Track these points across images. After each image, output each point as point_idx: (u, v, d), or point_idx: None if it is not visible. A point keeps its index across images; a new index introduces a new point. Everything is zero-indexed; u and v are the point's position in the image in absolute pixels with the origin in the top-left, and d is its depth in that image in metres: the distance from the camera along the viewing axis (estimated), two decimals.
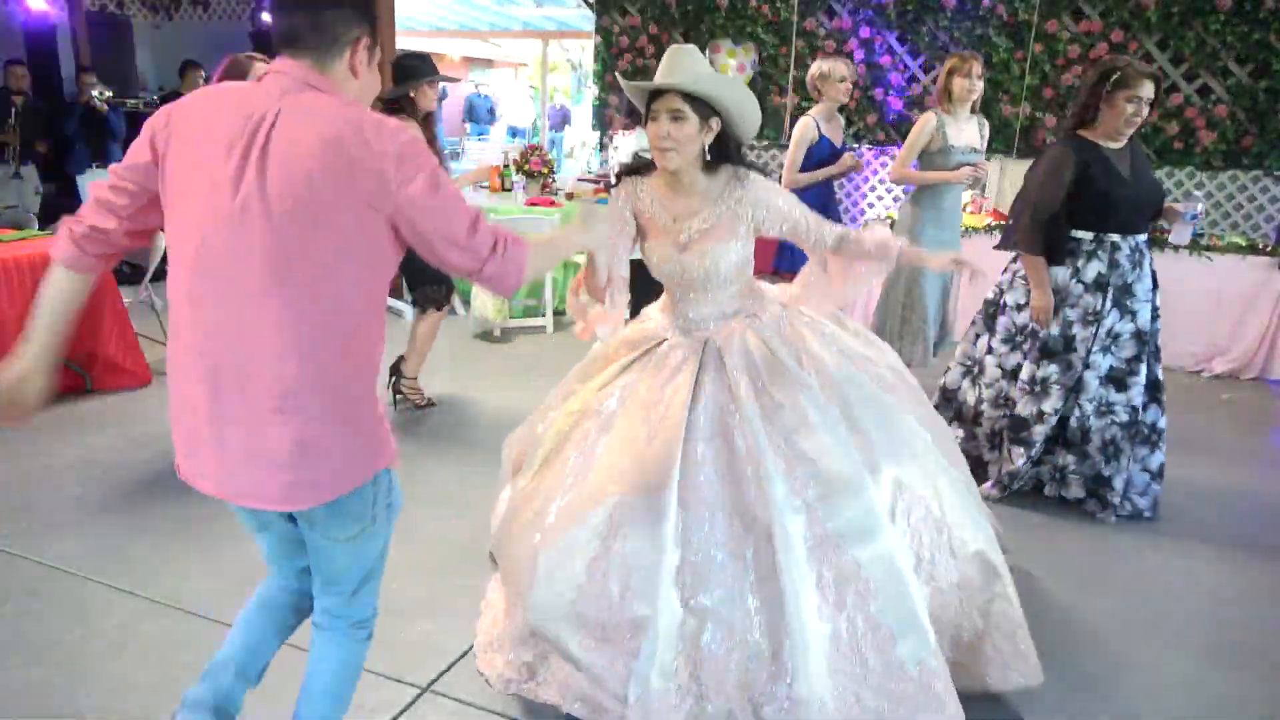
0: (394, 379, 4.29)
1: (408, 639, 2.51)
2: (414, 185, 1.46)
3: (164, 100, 7.89)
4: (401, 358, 4.28)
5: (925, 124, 4.12)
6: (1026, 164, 4.13)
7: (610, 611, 2.09)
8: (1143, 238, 3.32)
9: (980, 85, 4.08)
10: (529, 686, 2.21)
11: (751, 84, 8.27)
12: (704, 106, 2.11)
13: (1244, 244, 5.59)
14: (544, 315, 6.01)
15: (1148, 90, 3.11)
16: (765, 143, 8.45)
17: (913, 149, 4.15)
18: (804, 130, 4.46)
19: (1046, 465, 3.50)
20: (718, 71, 2.20)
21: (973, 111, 4.21)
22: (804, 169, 4.47)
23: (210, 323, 1.50)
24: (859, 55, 7.84)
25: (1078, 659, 2.52)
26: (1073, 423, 3.36)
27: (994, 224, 5.86)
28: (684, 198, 2.25)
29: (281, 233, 1.42)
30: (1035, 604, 2.76)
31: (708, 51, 8.11)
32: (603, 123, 8.73)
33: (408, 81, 3.82)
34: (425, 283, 4.14)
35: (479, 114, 15.07)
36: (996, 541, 2.35)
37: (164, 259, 4.71)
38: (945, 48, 7.57)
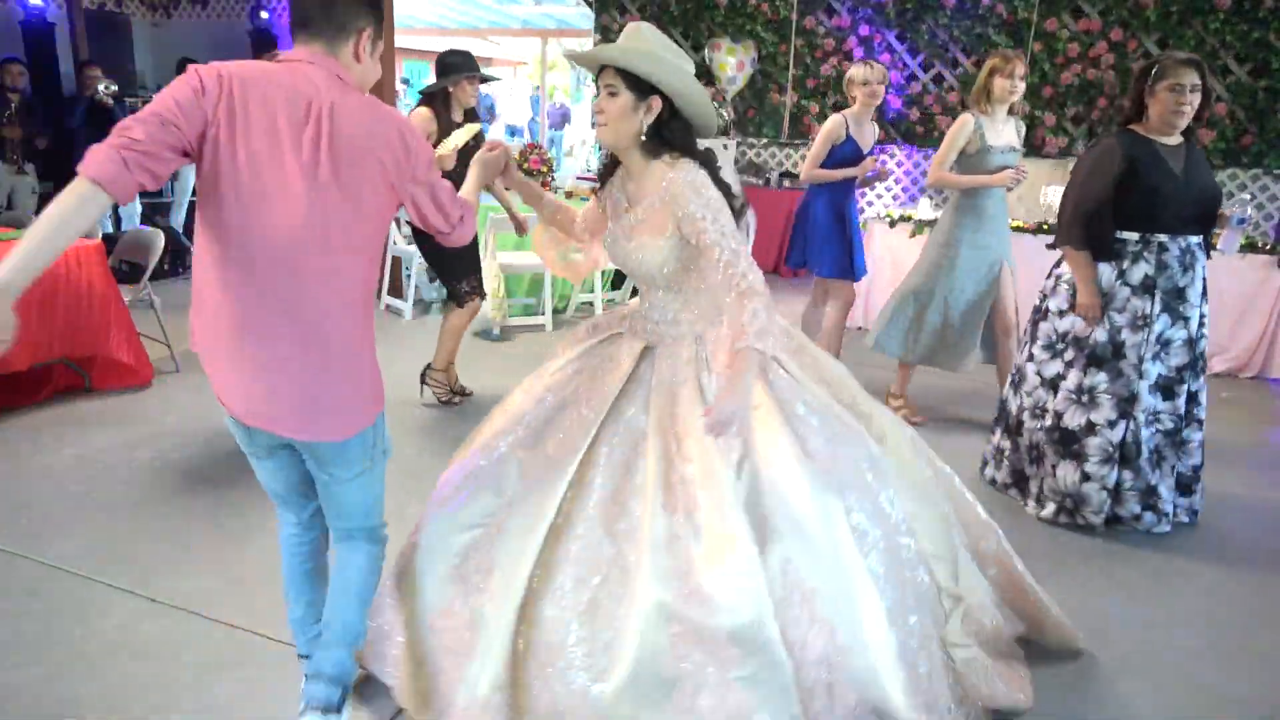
0: (424, 371, 4.42)
1: None
2: (425, 172, 1.84)
3: None
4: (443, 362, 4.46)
5: (963, 126, 4.01)
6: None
7: (463, 604, 2.08)
8: (1195, 240, 3.16)
9: (1022, 86, 3.97)
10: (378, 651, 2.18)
11: (751, 82, 8.27)
12: (641, 84, 1.98)
13: (1243, 242, 5.59)
14: (543, 314, 6.01)
15: (1188, 77, 3.00)
16: (765, 140, 8.45)
17: (950, 151, 4.04)
18: (831, 127, 4.39)
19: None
20: (687, 58, 2.04)
21: (1010, 112, 4.10)
22: (827, 168, 4.41)
23: (275, 280, 1.71)
24: (858, 54, 7.84)
25: (1076, 658, 2.53)
26: (1127, 437, 3.18)
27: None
28: (634, 182, 2.12)
29: (343, 205, 1.72)
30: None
31: (706, 49, 8.12)
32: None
33: (447, 76, 3.87)
34: (451, 278, 4.22)
35: (478, 112, 15.06)
36: (927, 682, 2.00)
37: (162, 258, 4.70)
38: (944, 46, 7.58)
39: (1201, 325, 3.22)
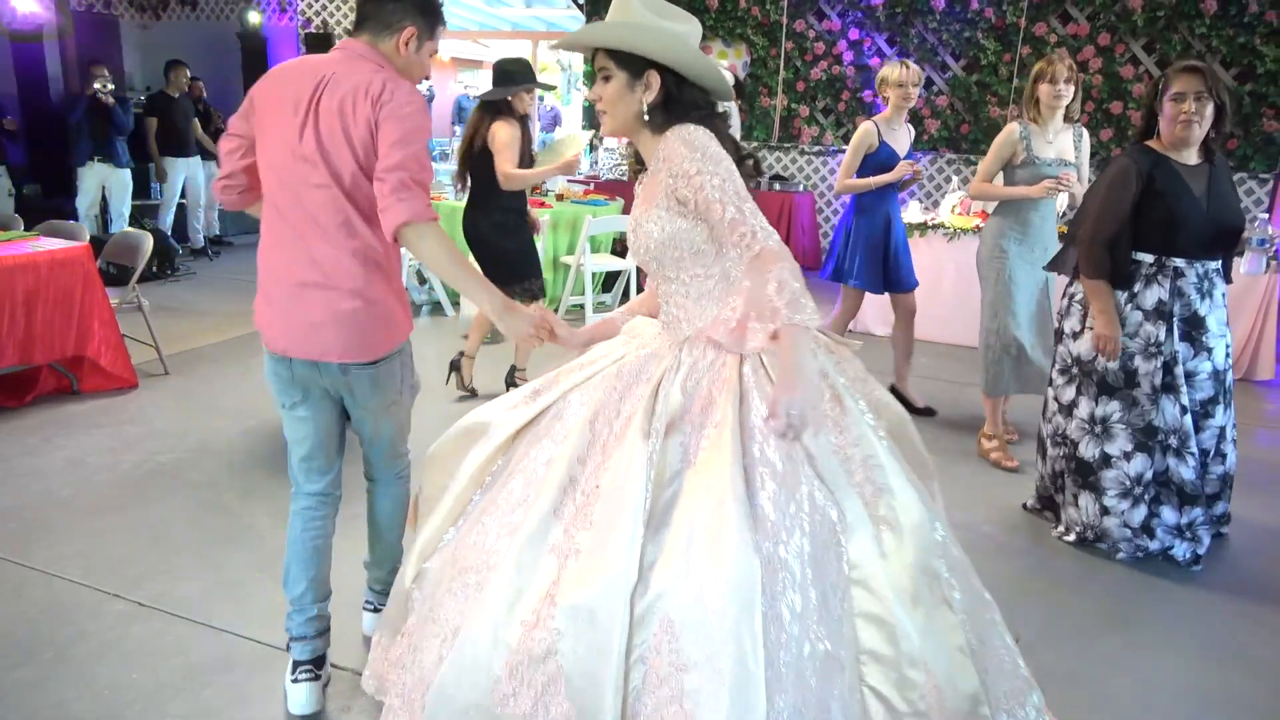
0: (455, 359, 4.60)
1: None
2: (396, 115, 1.94)
3: (150, 99, 7.88)
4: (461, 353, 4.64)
5: (1008, 135, 3.79)
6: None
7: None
8: (1213, 265, 2.99)
9: (1069, 90, 3.67)
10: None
11: (742, 86, 8.29)
12: (634, 60, 1.75)
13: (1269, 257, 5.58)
14: None
15: (1190, 84, 2.82)
16: (755, 144, 8.46)
17: (994, 162, 3.85)
18: (861, 135, 4.26)
19: (1165, 527, 3.08)
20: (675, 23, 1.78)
21: (1068, 119, 3.81)
22: (863, 176, 4.29)
23: (294, 227, 2.00)
24: (848, 57, 7.87)
25: (1072, 659, 2.53)
26: (1189, 475, 3.00)
27: (983, 225, 5.86)
28: (650, 166, 1.87)
29: (331, 154, 1.95)
30: (1029, 604, 2.78)
31: None
32: (593, 124, 8.73)
33: (506, 85, 4.14)
34: (499, 285, 4.23)
35: (468, 115, 14.98)
36: None
37: (151, 260, 4.67)
38: (934, 50, 7.62)
39: (1227, 356, 3.07)
